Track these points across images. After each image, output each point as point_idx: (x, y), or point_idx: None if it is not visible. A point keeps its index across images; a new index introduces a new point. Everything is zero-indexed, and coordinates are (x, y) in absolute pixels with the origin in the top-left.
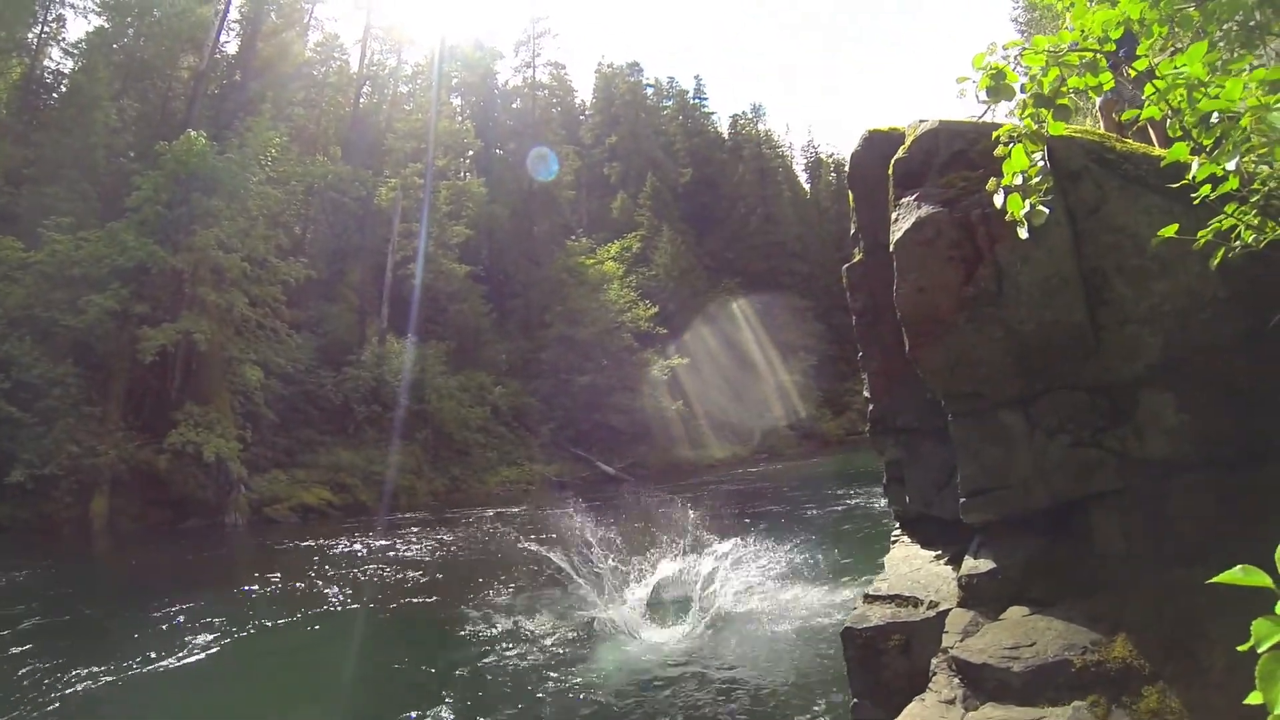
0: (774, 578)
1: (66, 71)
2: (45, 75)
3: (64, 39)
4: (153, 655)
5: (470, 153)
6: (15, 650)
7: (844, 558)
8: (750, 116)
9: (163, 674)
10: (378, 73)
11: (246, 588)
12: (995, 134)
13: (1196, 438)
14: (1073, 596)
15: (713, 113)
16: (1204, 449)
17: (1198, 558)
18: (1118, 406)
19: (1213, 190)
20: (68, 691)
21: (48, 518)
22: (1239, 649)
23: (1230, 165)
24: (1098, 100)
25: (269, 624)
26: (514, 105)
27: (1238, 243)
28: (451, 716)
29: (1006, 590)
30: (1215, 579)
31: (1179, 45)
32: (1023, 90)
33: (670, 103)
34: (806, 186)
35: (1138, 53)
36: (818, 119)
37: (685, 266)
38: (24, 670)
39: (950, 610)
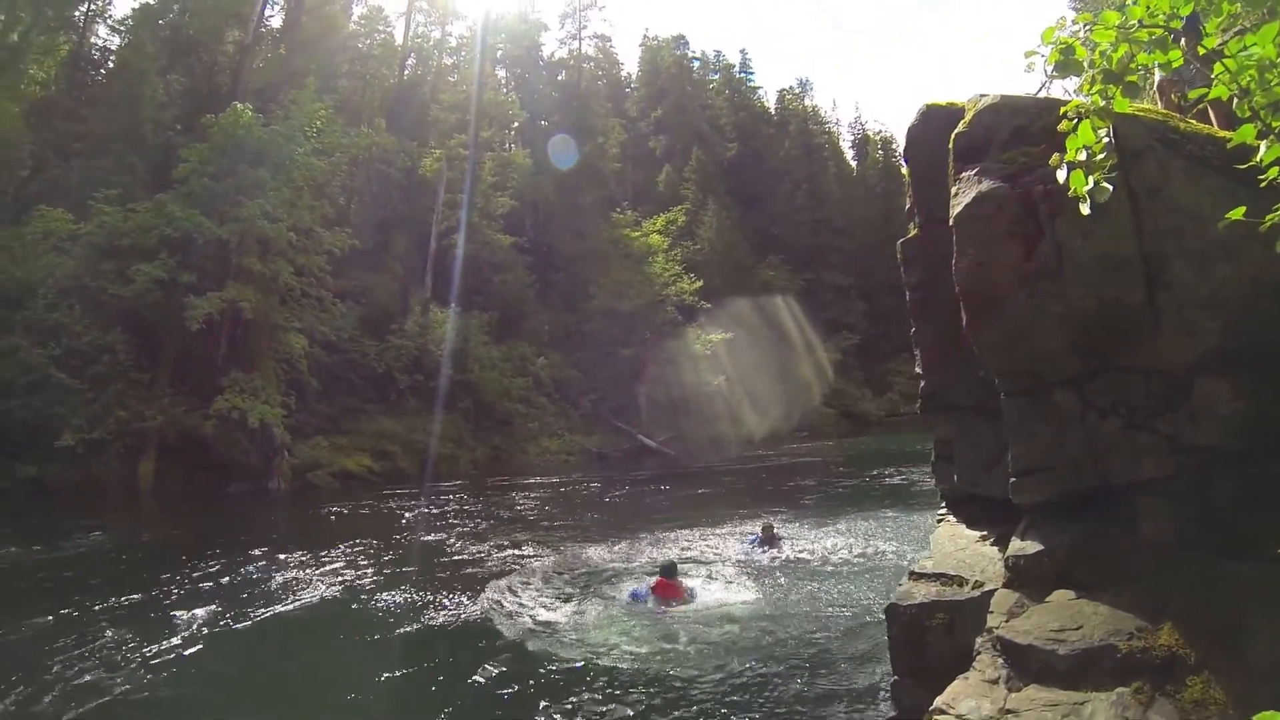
0: (819, 553)
1: (113, 48)
2: (93, 52)
3: (110, 16)
4: (196, 617)
5: (515, 124)
6: (63, 611)
7: (888, 536)
8: (797, 91)
9: (204, 636)
10: (422, 45)
11: (289, 552)
12: (1062, 109)
13: (1250, 428)
14: (1119, 582)
15: (759, 87)
16: (1257, 439)
17: (1246, 549)
18: (1172, 391)
19: None
20: (109, 652)
21: (96, 480)
22: None
23: None
24: (1155, 80)
25: (310, 589)
26: (559, 78)
27: None
28: (493, 690)
29: (1053, 573)
30: None
31: (1247, 25)
32: (1090, 66)
33: (716, 76)
34: (853, 163)
35: (1206, 30)
36: (866, 95)
37: (730, 241)
38: (70, 632)
39: (996, 590)
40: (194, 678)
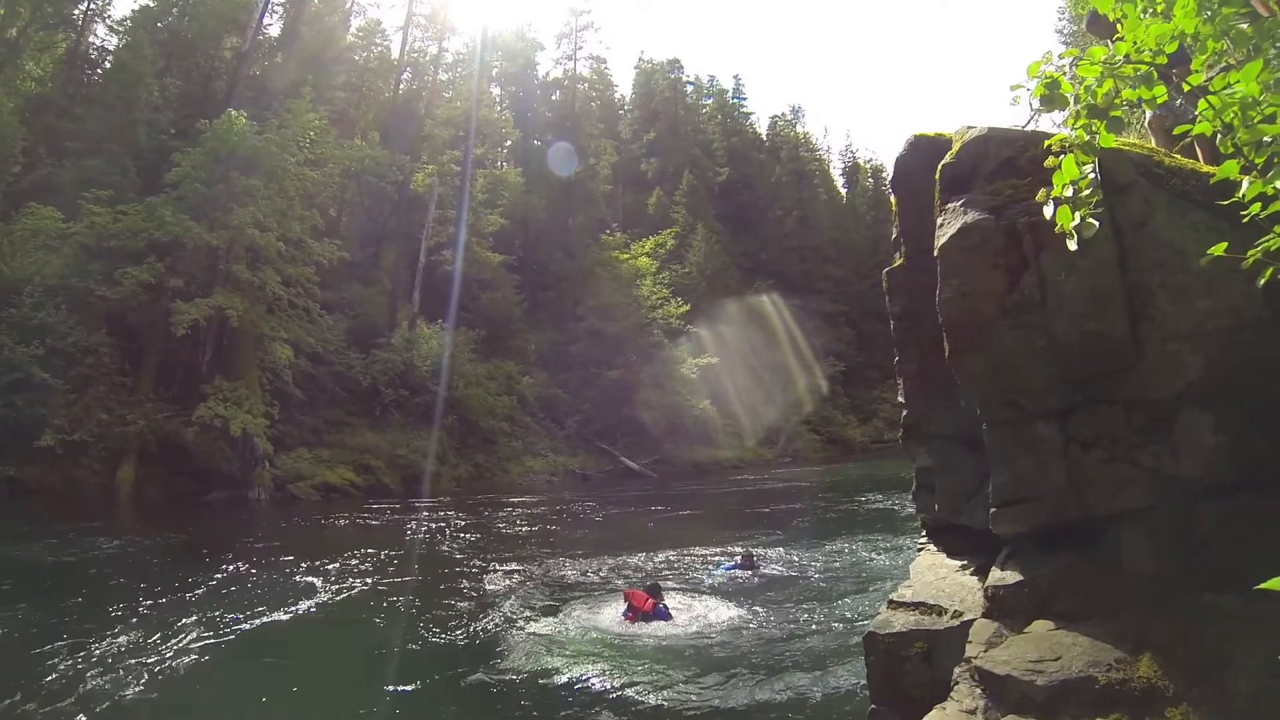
0: (798, 579)
1: (111, 48)
2: (90, 51)
3: (109, 16)
4: (169, 624)
5: (508, 143)
6: (33, 616)
7: (868, 563)
8: (789, 118)
9: (176, 645)
10: (418, 60)
11: (270, 564)
12: (1046, 143)
13: (1233, 460)
14: (1099, 613)
15: (751, 113)
16: (1240, 472)
17: (1228, 582)
18: (1155, 423)
19: (1262, 209)
20: (75, 659)
21: (75, 483)
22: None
23: None
24: (1146, 116)
25: (288, 601)
26: (554, 97)
27: None
28: (460, 706)
29: (1033, 603)
30: (1262, 585)
31: (1232, 61)
32: (1076, 101)
33: (710, 101)
34: (843, 191)
35: (1192, 67)
36: (856, 123)
37: (719, 265)
38: (35, 637)
39: (975, 620)
40: (164, 688)
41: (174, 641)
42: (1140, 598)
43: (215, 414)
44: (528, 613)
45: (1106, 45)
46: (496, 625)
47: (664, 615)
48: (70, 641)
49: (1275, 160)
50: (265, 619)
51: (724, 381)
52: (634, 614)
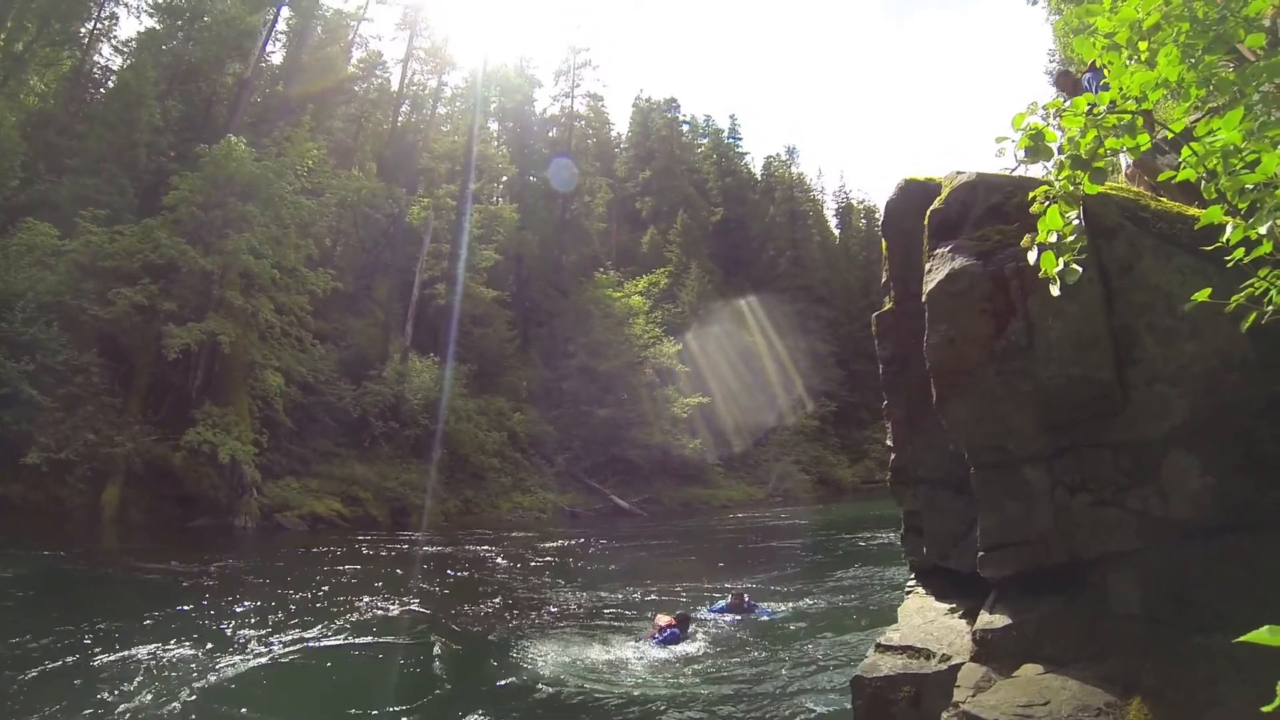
0: (787, 619)
1: (115, 68)
2: (94, 70)
3: (115, 36)
4: (147, 651)
5: (504, 178)
6: (12, 639)
7: (856, 605)
8: (784, 159)
9: (152, 674)
10: (418, 93)
11: (252, 593)
12: (1031, 194)
13: (1220, 502)
14: (1088, 657)
15: (746, 153)
16: (1227, 513)
17: (1216, 624)
18: (1142, 466)
19: (1246, 254)
20: (56, 683)
21: (60, 502)
22: (1264, 709)
23: (1264, 230)
24: (1126, 163)
25: (274, 632)
26: (550, 134)
27: (1269, 307)
28: None
29: (1021, 647)
30: (1242, 638)
31: (1215, 106)
32: (1060, 151)
33: (705, 140)
34: (836, 232)
35: (1175, 115)
36: (851, 164)
37: (712, 305)
38: (17, 659)
39: (963, 664)
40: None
41: (150, 670)
42: (1129, 640)
43: (204, 439)
44: (518, 644)
45: (1038, 107)
46: (487, 656)
47: (671, 639)
48: (45, 664)
49: (1259, 205)
50: (251, 649)
51: (715, 421)
52: (654, 629)
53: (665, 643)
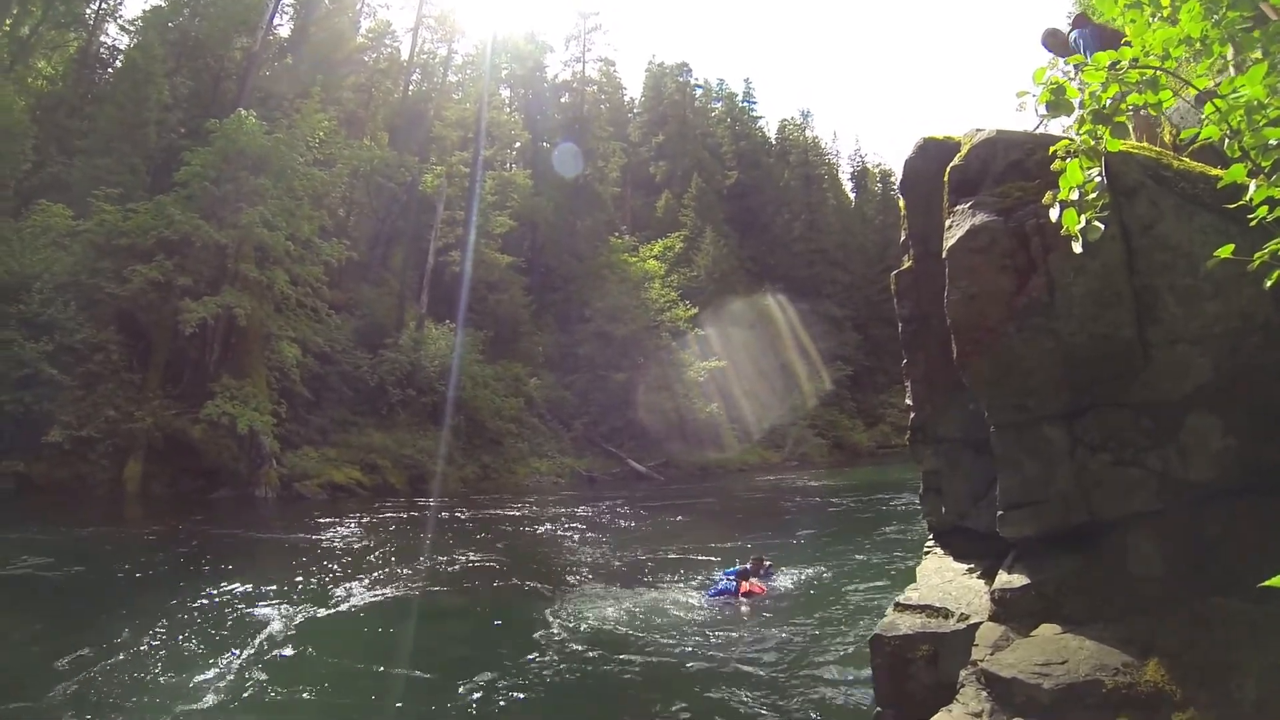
0: (805, 581)
1: (122, 47)
2: (101, 50)
3: (121, 15)
4: (177, 623)
5: (517, 144)
6: (39, 613)
7: (875, 566)
8: (798, 122)
9: (185, 645)
10: (428, 61)
11: (277, 560)
12: (1052, 148)
13: (1242, 463)
14: (1106, 617)
15: (761, 116)
16: (1248, 475)
17: (1235, 585)
18: (1162, 426)
19: (1270, 212)
20: (80, 656)
21: (82, 479)
22: None
23: None
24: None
25: (292, 600)
26: (563, 100)
27: None
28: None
29: (1039, 606)
30: (1267, 583)
31: (1238, 64)
32: (1081, 106)
33: (719, 104)
34: (851, 195)
35: (1198, 72)
36: (866, 127)
37: (727, 269)
38: (41, 637)
39: (981, 624)
40: (168, 689)
41: (181, 640)
42: (1148, 601)
43: (222, 412)
44: (548, 603)
45: (1059, 62)
46: (512, 620)
47: (723, 589)
48: (75, 638)
49: None
50: (282, 617)
51: (732, 385)
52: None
53: (719, 594)
